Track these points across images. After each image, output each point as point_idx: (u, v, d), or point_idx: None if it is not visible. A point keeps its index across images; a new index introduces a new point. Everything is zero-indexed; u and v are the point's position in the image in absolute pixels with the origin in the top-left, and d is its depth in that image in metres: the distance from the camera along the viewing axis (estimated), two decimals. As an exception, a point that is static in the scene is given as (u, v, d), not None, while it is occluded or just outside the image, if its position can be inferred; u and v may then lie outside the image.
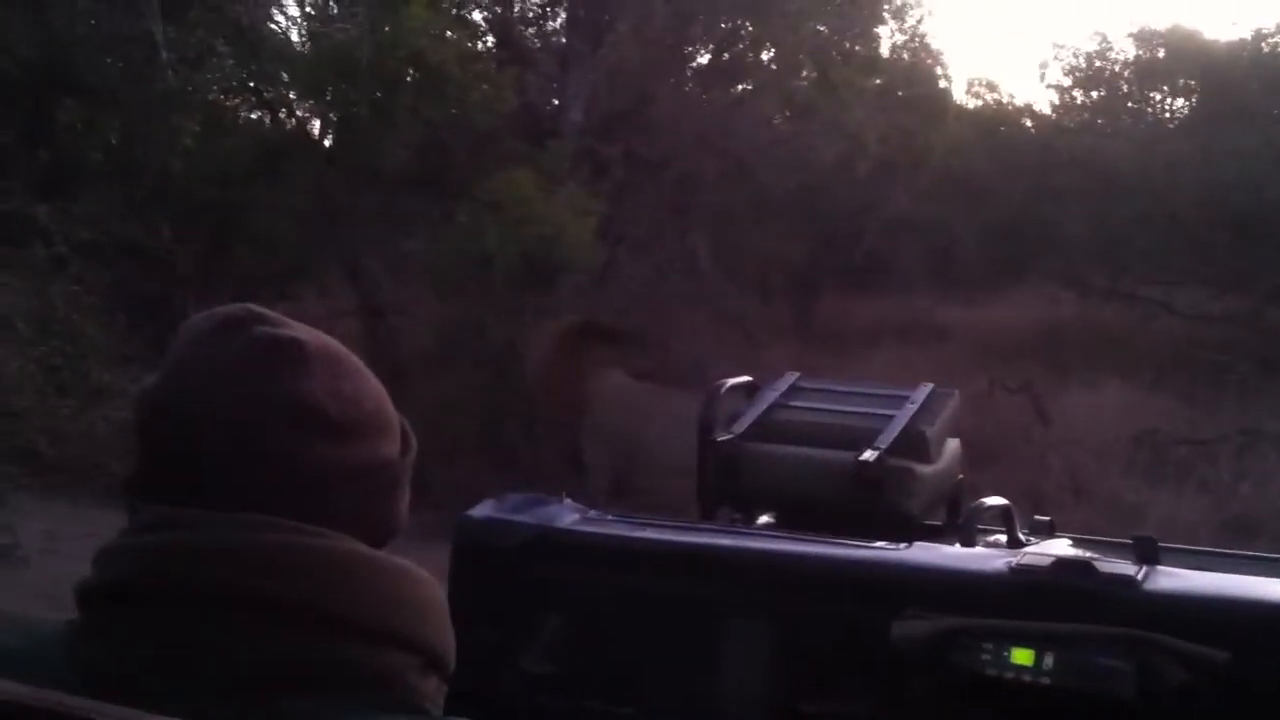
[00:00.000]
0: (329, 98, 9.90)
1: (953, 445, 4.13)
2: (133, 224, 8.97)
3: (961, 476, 4.12)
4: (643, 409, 9.57)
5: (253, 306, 1.32)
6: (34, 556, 5.61)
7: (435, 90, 9.34)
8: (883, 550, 2.15)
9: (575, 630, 2.18)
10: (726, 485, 3.86)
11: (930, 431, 3.83)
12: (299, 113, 11.28)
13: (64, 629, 1.25)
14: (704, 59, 13.65)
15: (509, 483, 9.89)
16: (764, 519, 3.94)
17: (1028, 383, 11.31)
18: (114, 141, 6.51)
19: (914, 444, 3.80)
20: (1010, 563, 2.03)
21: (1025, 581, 1.97)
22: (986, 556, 2.20)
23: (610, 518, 2.35)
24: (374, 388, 1.35)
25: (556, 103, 11.38)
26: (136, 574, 1.21)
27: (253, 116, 10.81)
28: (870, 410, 3.89)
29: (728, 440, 3.77)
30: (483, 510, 2.32)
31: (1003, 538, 3.32)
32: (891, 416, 3.82)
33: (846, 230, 12.85)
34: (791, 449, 3.81)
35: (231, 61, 7.29)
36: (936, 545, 2.22)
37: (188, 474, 1.24)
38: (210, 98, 6.92)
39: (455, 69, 9.39)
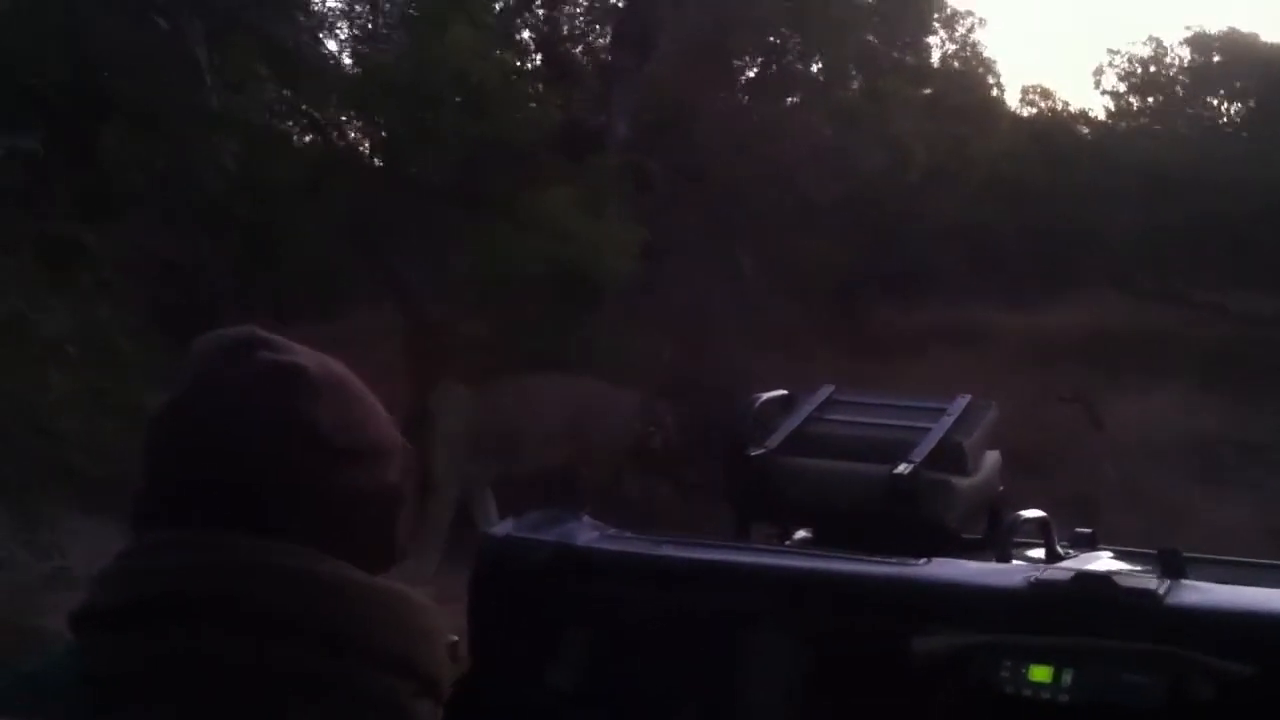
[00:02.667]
0: (373, 117, 10.02)
1: (992, 457, 4.09)
2: (175, 245, 9.10)
3: (1002, 489, 4.08)
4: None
5: (258, 330, 1.34)
6: (85, 579, 5.69)
7: (477, 109, 9.40)
8: (901, 566, 2.14)
9: (597, 647, 2.18)
10: (760, 500, 3.85)
11: (967, 443, 3.79)
12: (346, 132, 11.39)
13: (69, 654, 1.27)
14: (751, 72, 13.69)
15: (549, 499, 9.92)
16: (800, 534, 3.92)
17: (1079, 388, 11.21)
18: (156, 164, 6.61)
19: (950, 456, 3.77)
20: (1029, 578, 2.01)
21: (1044, 597, 1.94)
22: (1006, 572, 2.18)
23: (630, 535, 2.35)
24: (377, 414, 1.37)
25: (602, 118, 11.42)
26: (149, 595, 1.23)
27: (299, 137, 10.89)
28: (906, 423, 3.86)
29: (760, 454, 3.76)
30: (504, 529, 2.33)
31: (1041, 551, 3.28)
32: (928, 429, 3.80)
33: (894, 239, 12.78)
34: (825, 462, 3.79)
35: (272, 84, 7.38)
36: (956, 561, 2.20)
37: (193, 498, 1.26)
38: (253, 119, 6.97)
39: (498, 87, 9.46)
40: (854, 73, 13.16)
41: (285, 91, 8.45)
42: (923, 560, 2.16)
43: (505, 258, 9.71)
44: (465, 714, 2.37)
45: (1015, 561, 3.02)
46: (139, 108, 6.24)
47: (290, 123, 10.41)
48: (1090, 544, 3.49)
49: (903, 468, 3.53)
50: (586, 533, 2.27)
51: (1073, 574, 1.97)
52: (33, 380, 5.50)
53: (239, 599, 1.20)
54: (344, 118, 11.18)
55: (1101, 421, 10.95)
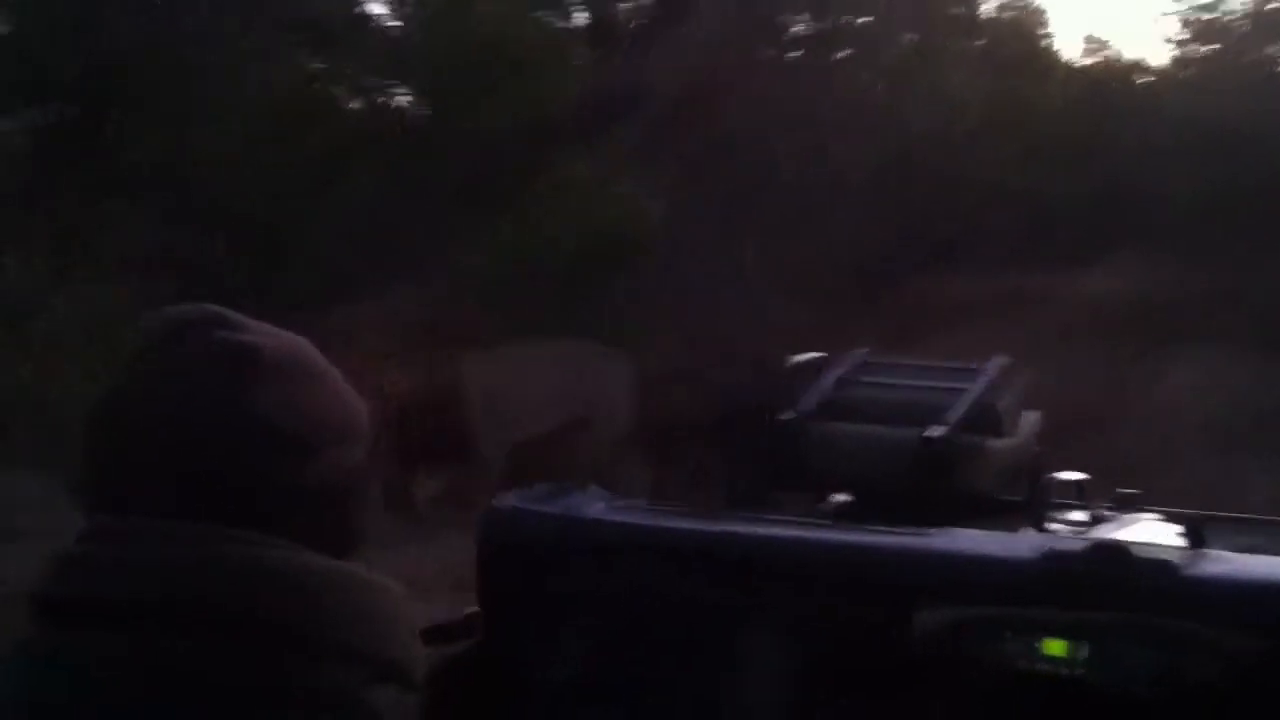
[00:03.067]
0: (408, 88, 9.97)
1: (1031, 418, 4.01)
2: (185, 235, 9.09)
3: (1041, 450, 4.01)
4: None
5: (212, 308, 1.29)
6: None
7: (511, 77, 9.33)
8: (909, 536, 2.07)
9: (605, 621, 2.14)
10: (790, 466, 3.79)
11: (1002, 404, 3.71)
12: (388, 103, 11.34)
13: (19, 647, 1.24)
14: (798, 28, 13.48)
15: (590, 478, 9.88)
16: (838, 498, 3.86)
17: (1129, 351, 11.03)
18: (163, 152, 6.55)
19: (985, 418, 3.69)
20: (1042, 548, 1.94)
21: (1056, 569, 1.87)
22: (1018, 542, 2.11)
23: (637, 506, 2.30)
24: (337, 395, 1.31)
25: (641, 83, 11.27)
26: (79, 589, 1.18)
27: (339, 104, 10.85)
28: (941, 385, 3.80)
29: (791, 419, 3.70)
30: (507, 501, 2.29)
31: (1081, 514, 3.21)
32: (962, 391, 3.73)
33: (940, 200, 12.57)
34: (857, 427, 3.73)
35: (299, 55, 7.31)
36: (967, 531, 2.13)
37: (138, 483, 1.21)
38: (261, 104, 6.92)
39: (533, 55, 9.37)
40: (906, 25, 12.92)
41: (314, 64, 8.39)
42: (933, 531, 2.10)
43: (531, 227, 9.67)
44: (475, 686, 2.35)
45: (1051, 525, 2.95)
46: (145, 94, 6.18)
47: (334, 91, 10.37)
48: (1134, 506, 3.41)
49: (934, 431, 3.46)
50: (593, 504, 2.22)
51: (1088, 544, 1.91)
52: (35, 369, 5.49)
53: (180, 598, 1.15)
54: (385, 89, 11.15)
55: (1148, 384, 10.78)
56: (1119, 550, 1.88)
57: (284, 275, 10.88)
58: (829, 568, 2.05)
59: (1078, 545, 1.92)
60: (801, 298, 11.35)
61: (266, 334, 1.28)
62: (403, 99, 11.19)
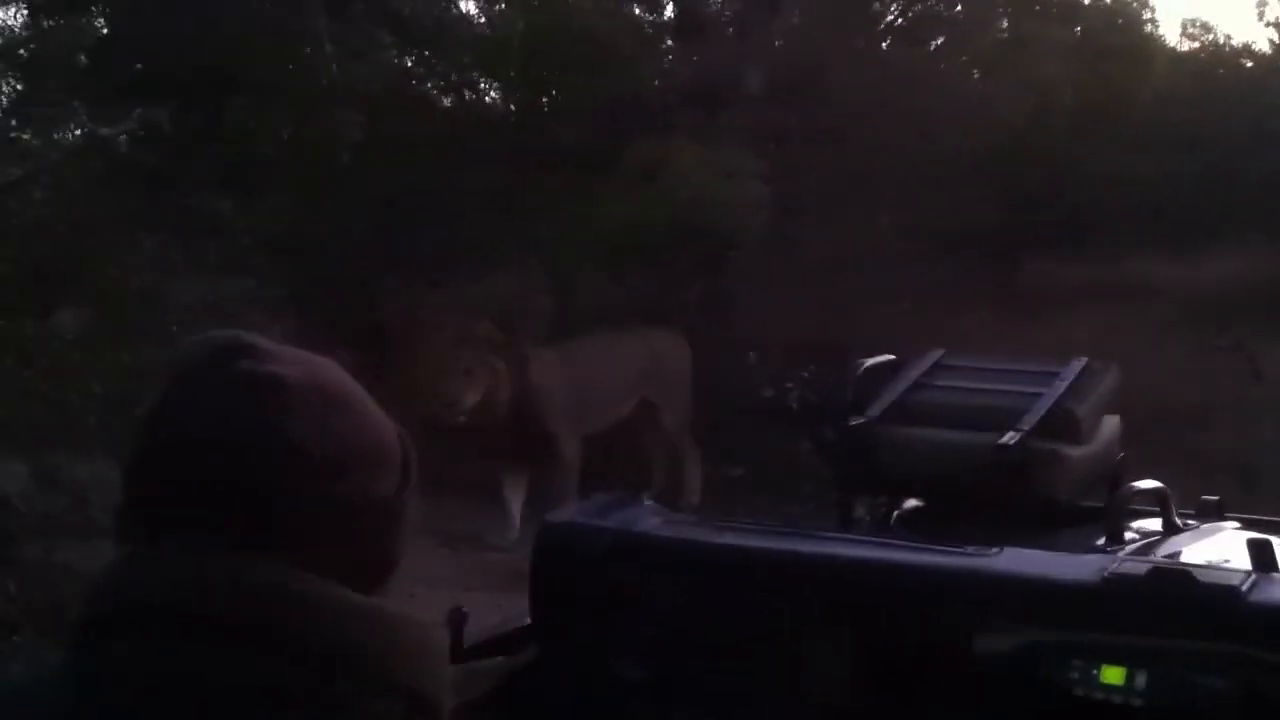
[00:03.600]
0: (503, 80, 10.05)
1: (1111, 423, 3.92)
2: (314, 215, 9.26)
3: (1122, 455, 3.91)
4: None
5: (245, 337, 1.29)
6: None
7: (602, 68, 9.34)
8: (968, 556, 2.00)
9: (658, 635, 2.11)
10: (862, 471, 3.73)
11: (1081, 409, 3.63)
12: (485, 95, 11.45)
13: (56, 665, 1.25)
14: (892, 17, 13.33)
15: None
16: (911, 504, 3.79)
17: (1240, 341, 10.72)
18: (284, 137, 6.71)
19: (1062, 424, 3.61)
20: (1103, 571, 1.86)
21: (1118, 592, 1.80)
22: (1080, 564, 2.03)
23: (693, 520, 2.27)
24: (367, 423, 1.31)
25: (734, 71, 11.22)
26: (114, 608, 1.19)
27: (436, 100, 10.98)
28: (1017, 388, 3.72)
29: (861, 423, 3.64)
30: (564, 514, 2.26)
31: (1158, 524, 3.11)
32: (1039, 395, 3.64)
33: (1045, 189, 12.32)
34: (930, 431, 3.66)
35: (394, 52, 7.43)
36: (1028, 551, 2.06)
37: (170, 512, 1.22)
38: (374, 89, 7.03)
39: (624, 44, 9.37)
40: (1000, 13, 12.71)
41: (408, 60, 8.51)
42: (994, 550, 2.02)
43: (635, 218, 9.65)
44: (529, 698, 2.33)
45: (1127, 536, 2.85)
46: (263, 81, 6.33)
47: (430, 85, 10.48)
48: (1216, 513, 3.30)
49: (1008, 437, 3.37)
50: (648, 519, 2.19)
51: (1149, 567, 1.82)
52: (163, 351, 5.63)
53: (221, 613, 1.16)
54: (482, 81, 11.26)
55: (1260, 373, 10.44)
56: (1181, 575, 1.79)
57: (402, 256, 11.08)
58: (884, 587, 1.99)
59: (1140, 568, 1.84)
60: (901, 289, 11.23)
61: (293, 362, 1.28)
62: (495, 93, 11.29)
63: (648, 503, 2.29)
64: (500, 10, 10.70)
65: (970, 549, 2.04)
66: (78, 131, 7.65)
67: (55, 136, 7.35)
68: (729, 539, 2.17)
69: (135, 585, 1.18)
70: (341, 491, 1.24)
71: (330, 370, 1.31)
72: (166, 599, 1.16)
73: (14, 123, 8.39)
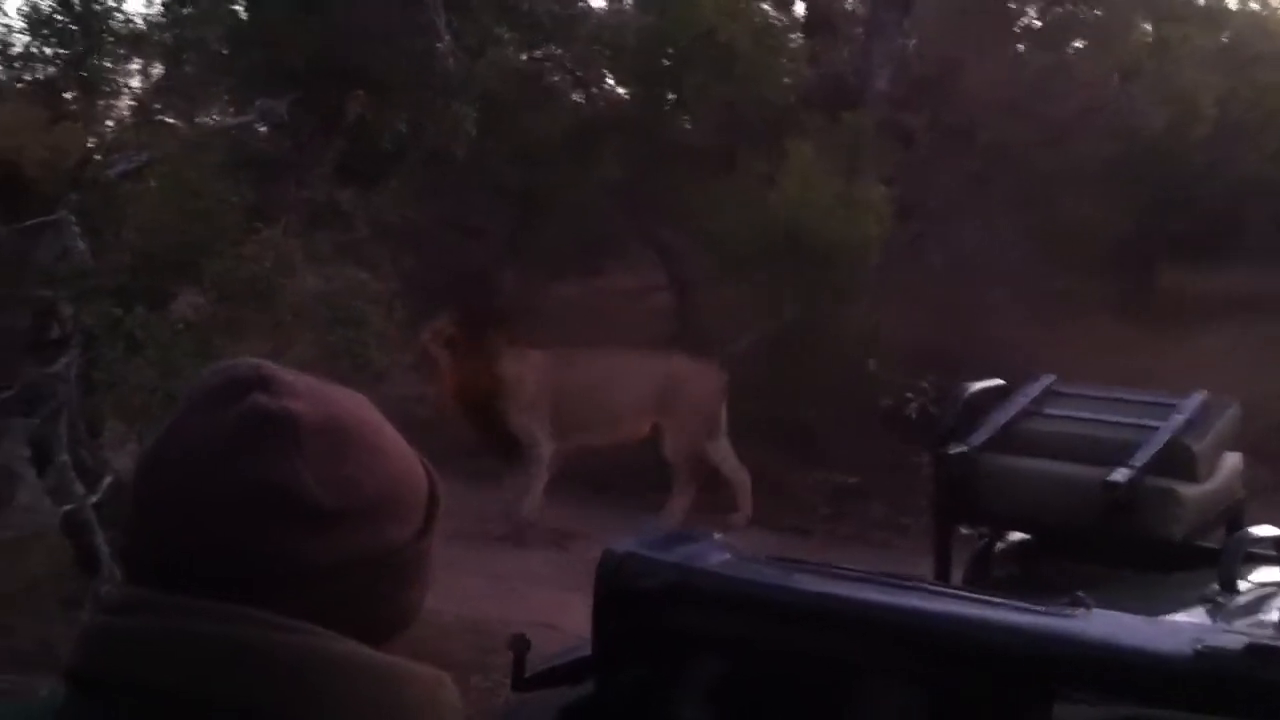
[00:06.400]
0: (624, 76, 10.00)
1: (1231, 461, 3.71)
2: (431, 208, 9.31)
3: (1243, 496, 3.70)
4: None
5: (264, 367, 1.20)
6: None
7: (726, 68, 9.23)
8: (1050, 617, 1.86)
9: (717, 677, 2.01)
10: (961, 502, 3.59)
11: (1198, 446, 3.45)
12: (608, 91, 11.43)
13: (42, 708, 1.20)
14: (1028, 20, 13.02)
15: (803, 467, 9.65)
16: (1015, 537, 3.63)
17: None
18: (402, 130, 6.74)
19: (1178, 460, 3.43)
20: (1193, 643, 1.70)
21: (1210, 669, 1.64)
22: (1172, 633, 1.86)
23: (761, 561, 2.15)
24: (385, 464, 1.21)
25: (861, 71, 11.03)
26: (88, 663, 1.13)
27: (560, 96, 10.99)
28: (1132, 421, 3.54)
29: (962, 452, 3.50)
30: (625, 546, 2.16)
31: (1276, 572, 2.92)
32: (1155, 429, 3.46)
33: (1183, 199, 11.89)
34: (1035, 463, 3.51)
35: (512, 48, 7.42)
36: (1117, 615, 1.90)
37: (167, 554, 1.15)
38: (491, 84, 7.03)
39: (747, 45, 9.25)
40: (1141, 17, 12.31)
41: (527, 55, 8.51)
42: (1079, 610, 1.87)
43: (756, 218, 9.52)
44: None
45: (1241, 584, 2.68)
46: (382, 75, 6.36)
47: (550, 81, 10.48)
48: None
49: (1119, 474, 3.21)
50: (714, 555, 2.09)
51: (1245, 643, 1.66)
52: (277, 343, 5.68)
53: (178, 673, 1.09)
54: (608, 77, 11.24)
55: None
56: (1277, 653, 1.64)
57: (522, 249, 11.16)
58: (953, 644, 1.86)
59: (1236, 644, 1.68)
60: (1027, 298, 10.94)
61: (310, 397, 1.19)
62: (618, 90, 11.26)
63: (716, 537, 2.19)
64: (623, 7, 10.68)
65: (1053, 608, 1.89)
66: (215, 118, 7.82)
67: (197, 121, 7.50)
68: (794, 582, 2.05)
69: (107, 652, 1.12)
70: (350, 543, 1.15)
71: (351, 406, 1.22)
72: (136, 673, 1.09)
73: (158, 106, 8.60)
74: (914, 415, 9.43)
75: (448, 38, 6.34)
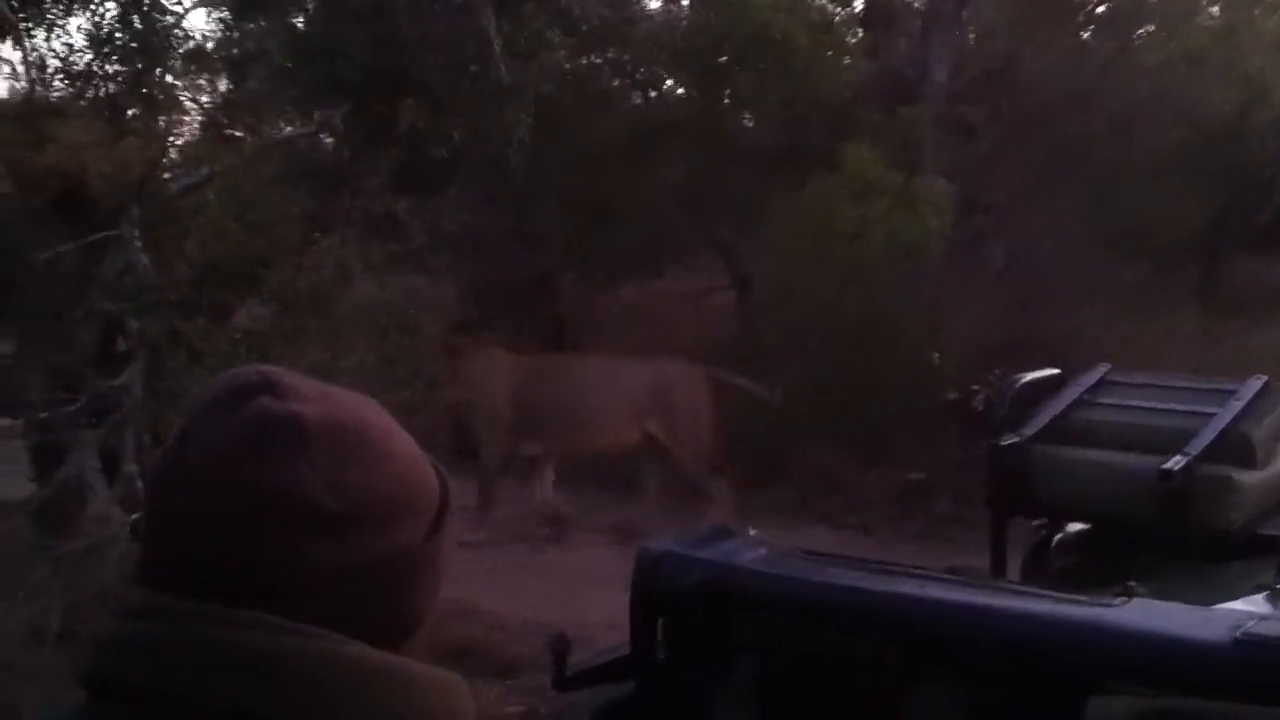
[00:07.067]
0: (679, 77, 9.98)
1: (1293, 447, 3.61)
2: (494, 215, 9.35)
3: (1304, 483, 3.60)
4: None
5: (271, 372, 1.20)
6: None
7: (783, 65, 9.18)
8: (1086, 608, 1.82)
9: (754, 674, 1.99)
10: (1015, 494, 3.54)
11: (1256, 433, 3.37)
12: (663, 93, 11.43)
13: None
14: (1091, 6, 12.85)
15: (867, 463, 9.61)
16: (1074, 527, 3.58)
17: None
18: (455, 138, 6.78)
19: (1235, 448, 3.36)
20: (1236, 632, 1.66)
21: (1249, 656, 1.60)
22: (1212, 623, 1.81)
23: (797, 556, 2.13)
24: (394, 467, 1.20)
25: (920, 64, 10.92)
26: (103, 669, 1.14)
27: (619, 99, 11.01)
28: (1189, 408, 3.47)
29: (1014, 442, 3.45)
30: (661, 544, 2.15)
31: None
32: (1211, 416, 3.39)
33: (1252, 187, 11.68)
34: (1089, 453, 3.46)
35: (564, 52, 7.43)
36: (1158, 604, 1.85)
37: (178, 560, 1.15)
38: (546, 89, 7.05)
39: (804, 41, 9.20)
40: (1208, 3, 12.13)
41: (581, 60, 8.53)
42: (1119, 600, 1.83)
43: (817, 215, 9.47)
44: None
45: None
46: (434, 83, 6.40)
47: (605, 84, 10.50)
48: None
49: (1173, 461, 3.15)
50: (749, 552, 2.07)
51: (1287, 629, 1.62)
52: (335, 353, 5.73)
53: (189, 679, 1.09)
54: (667, 79, 11.25)
55: None
56: (1321, 640, 1.59)
57: (582, 253, 11.18)
58: (991, 637, 1.82)
59: (1275, 630, 1.63)
60: (1093, 290, 10.80)
61: (318, 401, 1.18)
62: (675, 90, 11.26)
63: (752, 533, 2.17)
64: (676, 7, 10.68)
65: (1091, 599, 1.85)
66: (282, 129, 7.92)
67: (257, 134, 7.60)
68: (830, 578, 2.03)
69: (122, 658, 1.12)
70: (358, 546, 1.14)
71: (359, 409, 1.21)
72: (150, 678, 1.09)
73: (225, 119, 8.74)
74: (980, 409, 9.31)
75: (499, 44, 6.35)
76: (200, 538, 1.13)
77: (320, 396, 1.19)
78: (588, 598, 7.89)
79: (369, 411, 1.21)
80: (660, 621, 2.07)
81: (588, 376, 9.42)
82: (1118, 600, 1.83)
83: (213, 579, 1.12)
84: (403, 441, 1.22)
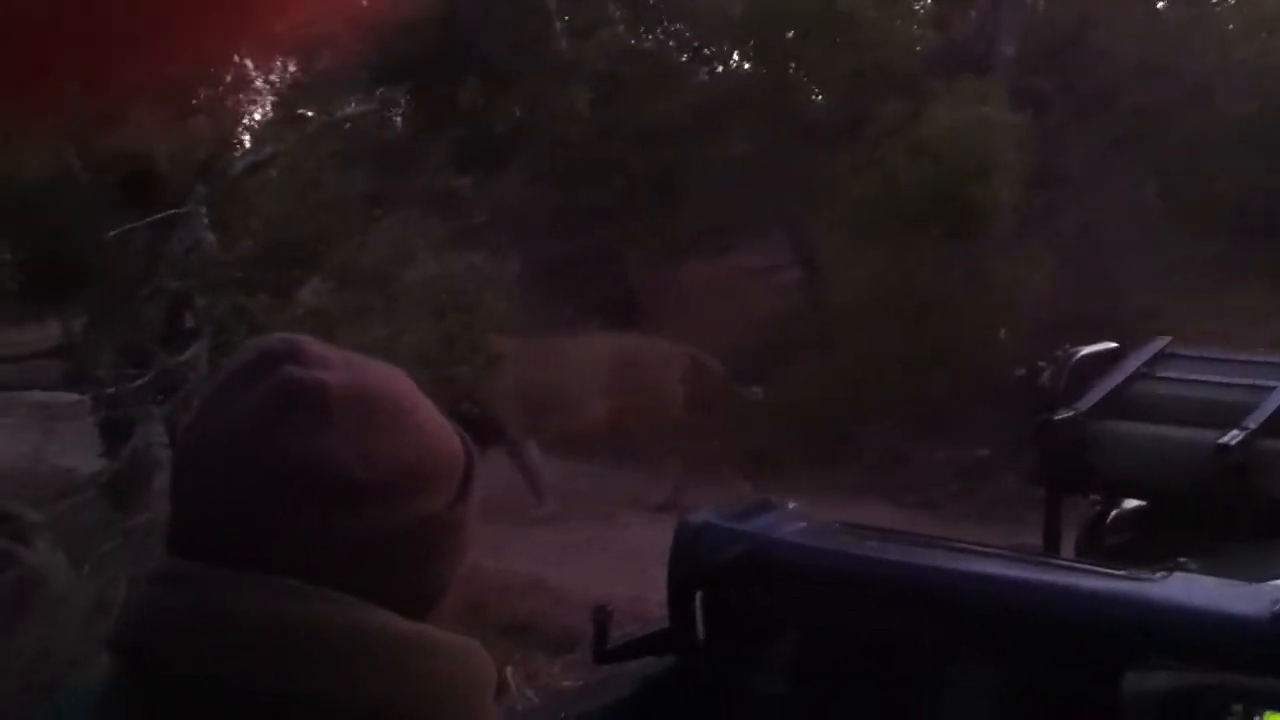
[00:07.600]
0: (742, 51, 9.94)
1: (1357, 420, 3.52)
2: (558, 191, 9.37)
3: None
4: None
5: (296, 340, 1.20)
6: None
7: (849, 37, 9.10)
8: (1127, 581, 1.79)
9: (795, 650, 1.98)
10: (1069, 470, 3.49)
11: (1320, 404, 3.29)
12: (726, 67, 11.37)
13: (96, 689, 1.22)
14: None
15: (932, 440, 9.53)
16: (1131, 504, 3.53)
17: None
18: (517, 114, 6.79)
19: (1297, 421, 3.27)
20: (1276, 605, 1.62)
21: (1287, 630, 1.57)
22: (1253, 594, 1.77)
23: (837, 529, 2.11)
24: (419, 436, 1.20)
25: (989, 34, 10.77)
26: (133, 635, 1.15)
27: (681, 75, 10.96)
28: (1249, 381, 3.41)
29: (1069, 417, 3.40)
30: (700, 517, 2.14)
31: None
32: (1272, 389, 3.33)
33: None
34: (1146, 427, 3.40)
35: (623, 28, 7.40)
36: (1198, 578, 1.82)
37: (203, 527, 1.16)
38: (606, 65, 7.03)
39: (871, 13, 9.11)
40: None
41: (640, 35, 8.50)
42: (1159, 574, 1.80)
43: (886, 190, 9.39)
44: (667, 703, 2.24)
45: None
46: (495, 60, 6.42)
47: (665, 59, 10.47)
48: None
49: (1231, 435, 3.09)
50: (788, 525, 2.05)
51: (1328, 603, 1.59)
52: (393, 330, 5.77)
53: (212, 647, 1.09)
54: (733, 53, 11.19)
55: None
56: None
57: (645, 229, 11.18)
58: (1026, 612, 1.80)
59: (1314, 603, 1.60)
60: (1168, 264, 10.62)
61: (343, 369, 1.18)
62: (738, 65, 11.21)
63: (792, 506, 2.15)
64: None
65: (1132, 572, 1.82)
66: (350, 109, 7.99)
67: (322, 113, 7.66)
68: (869, 552, 2.01)
69: (153, 625, 1.13)
70: (381, 514, 1.14)
71: (384, 377, 1.21)
72: (180, 645, 1.10)
73: (297, 99, 8.82)
74: (1048, 384, 9.18)
75: (559, 21, 6.35)
76: (225, 506, 1.14)
77: (345, 364, 1.19)
78: (652, 574, 7.92)
79: (394, 380, 1.22)
80: (699, 595, 2.07)
81: (562, 356, 9.35)
82: (1158, 574, 1.80)
83: (238, 547, 1.12)
84: (427, 410, 1.22)
